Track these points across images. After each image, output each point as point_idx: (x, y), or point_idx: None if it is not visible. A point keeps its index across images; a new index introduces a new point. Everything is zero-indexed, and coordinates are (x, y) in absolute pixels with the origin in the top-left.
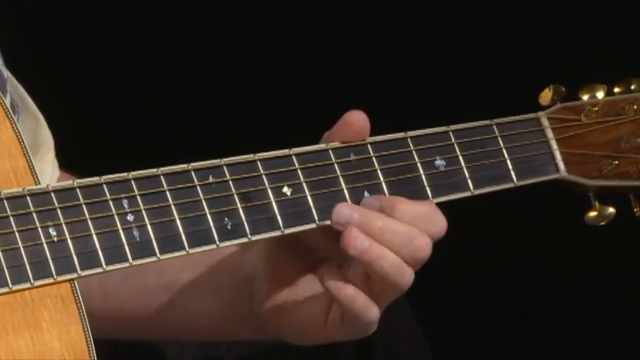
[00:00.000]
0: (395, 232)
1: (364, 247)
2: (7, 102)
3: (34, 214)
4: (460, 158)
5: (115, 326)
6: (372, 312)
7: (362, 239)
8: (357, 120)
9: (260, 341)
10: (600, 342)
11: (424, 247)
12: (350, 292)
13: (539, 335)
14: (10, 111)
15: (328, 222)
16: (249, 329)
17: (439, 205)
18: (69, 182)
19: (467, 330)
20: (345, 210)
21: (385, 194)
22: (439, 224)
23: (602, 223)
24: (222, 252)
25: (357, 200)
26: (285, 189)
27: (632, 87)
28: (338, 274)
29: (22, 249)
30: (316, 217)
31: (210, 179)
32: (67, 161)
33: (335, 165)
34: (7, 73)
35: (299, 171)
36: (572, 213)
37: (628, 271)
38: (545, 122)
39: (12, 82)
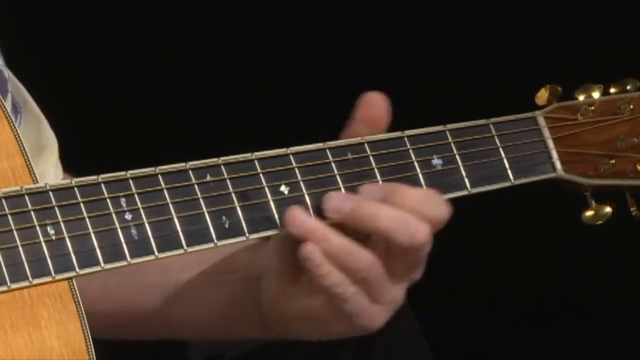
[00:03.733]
0: (390, 218)
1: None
2: (9, 102)
3: (32, 213)
4: (457, 157)
5: (117, 326)
6: (347, 297)
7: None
8: (376, 97)
9: (264, 340)
10: (599, 342)
11: (421, 232)
12: (324, 269)
13: (538, 336)
14: (9, 111)
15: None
16: (254, 328)
17: None
18: (66, 181)
19: (466, 330)
20: (338, 199)
21: None
22: (441, 208)
23: (599, 222)
24: (228, 250)
25: None
26: (283, 188)
27: (628, 87)
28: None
29: (20, 248)
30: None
31: (208, 178)
32: (65, 161)
33: (333, 164)
34: (8, 73)
35: (296, 170)
36: (570, 212)
37: (627, 271)
38: (541, 122)
39: (14, 82)
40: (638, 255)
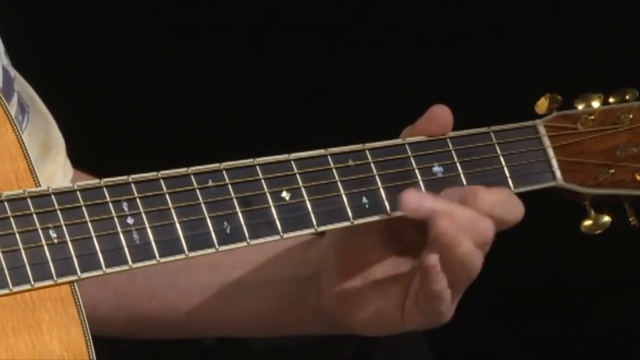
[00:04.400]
0: (463, 217)
1: (452, 233)
2: (14, 101)
3: (34, 216)
4: (458, 165)
5: (159, 326)
6: (448, 297)
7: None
8: (442, 113)
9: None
10: (600, 342)
11: (487, 230)
12: (439, 275)
13: (539, 337)
14: (16, 110)
15: (399, 213)
16: (314, 323)
17: None
18: (69, 185)
19: (467, 331)
20: (414, 199)
21: (383, 200)
22: (518, 209)
23: (598, 232)
24: (281, 248)
25: (355, 205)
26: (284, 194)
27: (627, 97)
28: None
29: (22, 251)
30: (315, 222)
31: (210, 183)
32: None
33: (334, 171)
34: (14, 72)
35: (297, 176)
36: (570, 215)
37: (628, 271)
38: (542, 130)
39: (21, 82)
40: (638, 255)
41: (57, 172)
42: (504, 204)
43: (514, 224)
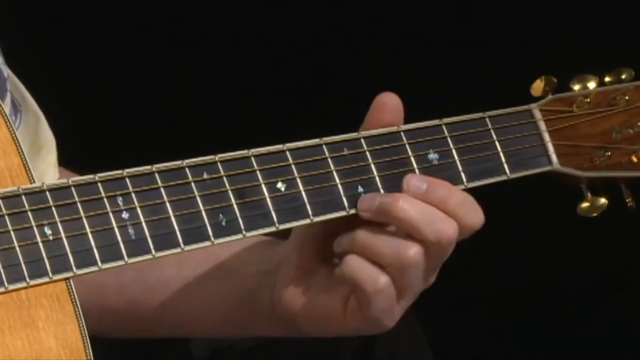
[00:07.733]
0: (419, 211)
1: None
2: (8, 100)
3: (29, 213)
4: (454, 151)
5: (128, 322)
6: (383, 300)
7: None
8: (390, 100)
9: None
10: (599, 342)
11: (448, 230)
12: (355, 264)
13: (538, 337)
14: (5, 110)
15: (353, 211)
16: (266, 320)
17: None
18: (63, 181)
19: (467, 330)
20: (367, 200)
21: (379, 188)
22: (477, 216)
23: (595, 214)
24: (247, 245)
25: (351, 194)
26: (280, 185)
27: (623, 76)
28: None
29: (17, 248)
30: (310, 213)
31: (205, 176)
32: (62, 158)
33: (329, 160)
34: (7, 72)
35: (292, 167)
36: (571, 213)
37: (628, 270)
38: (537, 114)
39: (13, 80)
40: (639, 255)
41: (49, 172)
42: (465, 204)
43: (468, 233)
